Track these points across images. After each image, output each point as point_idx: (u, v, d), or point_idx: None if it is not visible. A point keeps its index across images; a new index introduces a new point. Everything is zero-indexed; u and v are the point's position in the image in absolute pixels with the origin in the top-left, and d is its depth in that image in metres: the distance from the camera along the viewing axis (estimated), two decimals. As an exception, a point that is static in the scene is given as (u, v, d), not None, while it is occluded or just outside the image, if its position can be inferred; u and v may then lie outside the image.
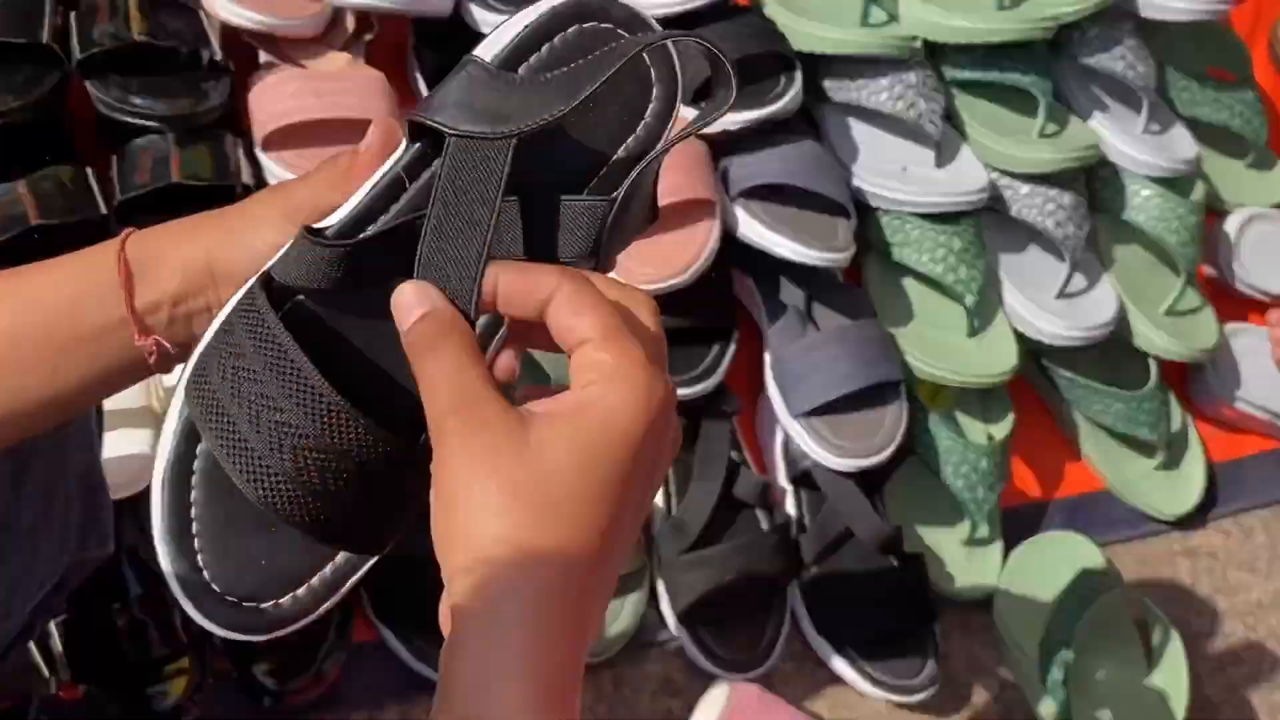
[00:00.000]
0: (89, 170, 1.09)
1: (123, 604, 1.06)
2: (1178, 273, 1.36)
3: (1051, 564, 1.28)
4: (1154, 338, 1.35)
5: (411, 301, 0.49)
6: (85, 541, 0.81)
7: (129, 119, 1.10)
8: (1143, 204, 1.35)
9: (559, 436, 0.45)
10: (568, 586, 0.45)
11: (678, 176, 1.15)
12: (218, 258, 0.58)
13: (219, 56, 1.14)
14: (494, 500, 0.44)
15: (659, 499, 1.21)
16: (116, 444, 1.04)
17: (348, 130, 1.13)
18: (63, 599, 0.83)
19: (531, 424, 0.46)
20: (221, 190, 1.09)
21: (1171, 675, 1.23)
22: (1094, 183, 1.38)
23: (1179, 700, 1.22)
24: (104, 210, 1.08)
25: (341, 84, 1.14)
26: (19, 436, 0.62)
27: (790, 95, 1.20)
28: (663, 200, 1.11)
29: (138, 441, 1.04)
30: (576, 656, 0.46)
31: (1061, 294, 1.31)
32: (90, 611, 1.04)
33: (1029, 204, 1.30)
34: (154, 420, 1.06)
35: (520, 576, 0.44)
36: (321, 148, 1.12)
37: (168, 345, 0.58)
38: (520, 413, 0.46)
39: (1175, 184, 1.38)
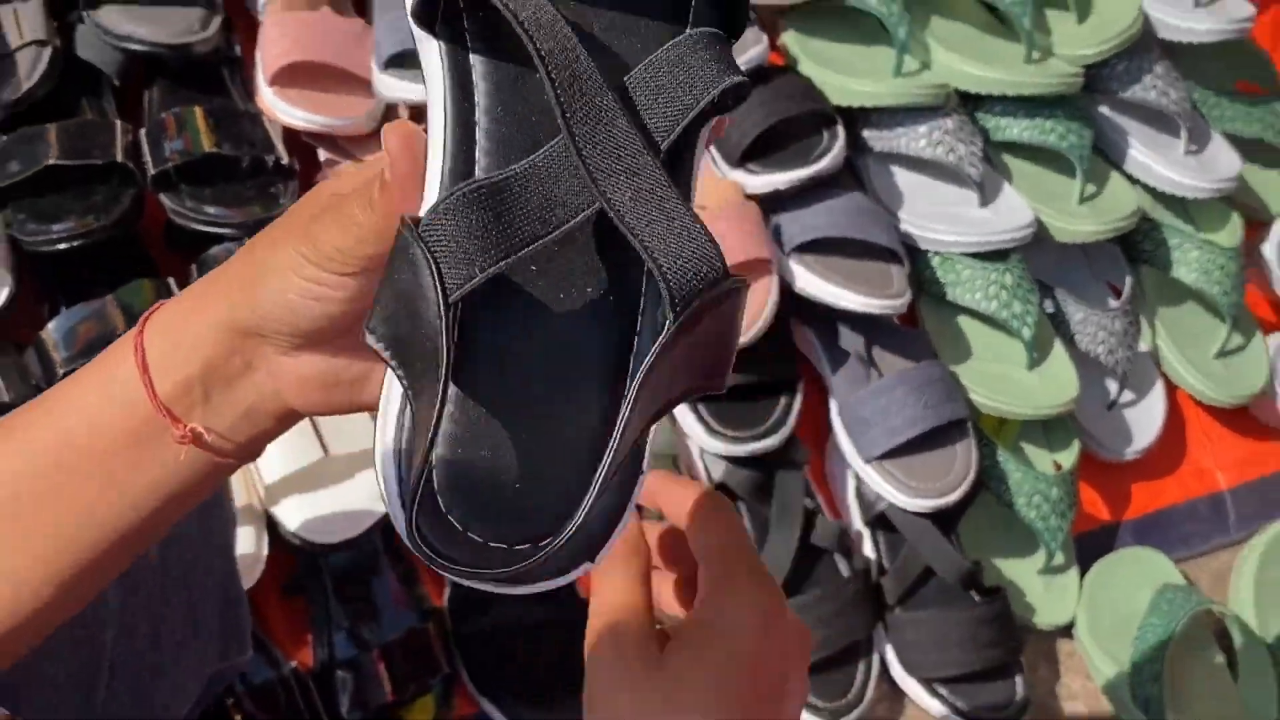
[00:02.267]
0: (170, 281, 1.12)
1: (233, 698, 1.07)
2: (1223, 319, 1.39)
3: (1128, 582, 1.30)
4: (1199, 385, 1.39)
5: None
6: (227, 651, 0.82)
7: (204, 228, 1.13)
8: (1183, 256, 1.38)
9: (688, 658, 0.51)
10: None
11: (734, 238, 1.18)
12: (241, 316, 0.52)
13: (284, 159, 1.18)
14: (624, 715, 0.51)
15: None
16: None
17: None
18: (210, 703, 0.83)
19: (668, 650, 0.52)
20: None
21: (1260, 685, 1.25)
22: (1140, 238, 1.40)
23: (1270, 709, 1.24)
24: None
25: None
26: (105, 567, 0.57)
27: (835, 151, 1.24)
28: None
29: (244, 542, 1.09)
30: None
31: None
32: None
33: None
34: (256, 518, 1.10)
35: None
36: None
37: (203, 430, 0.53)
38: (659, 639, 0.52)
39: (1216, 225, 1.41)
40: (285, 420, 0.56)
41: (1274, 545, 1.34)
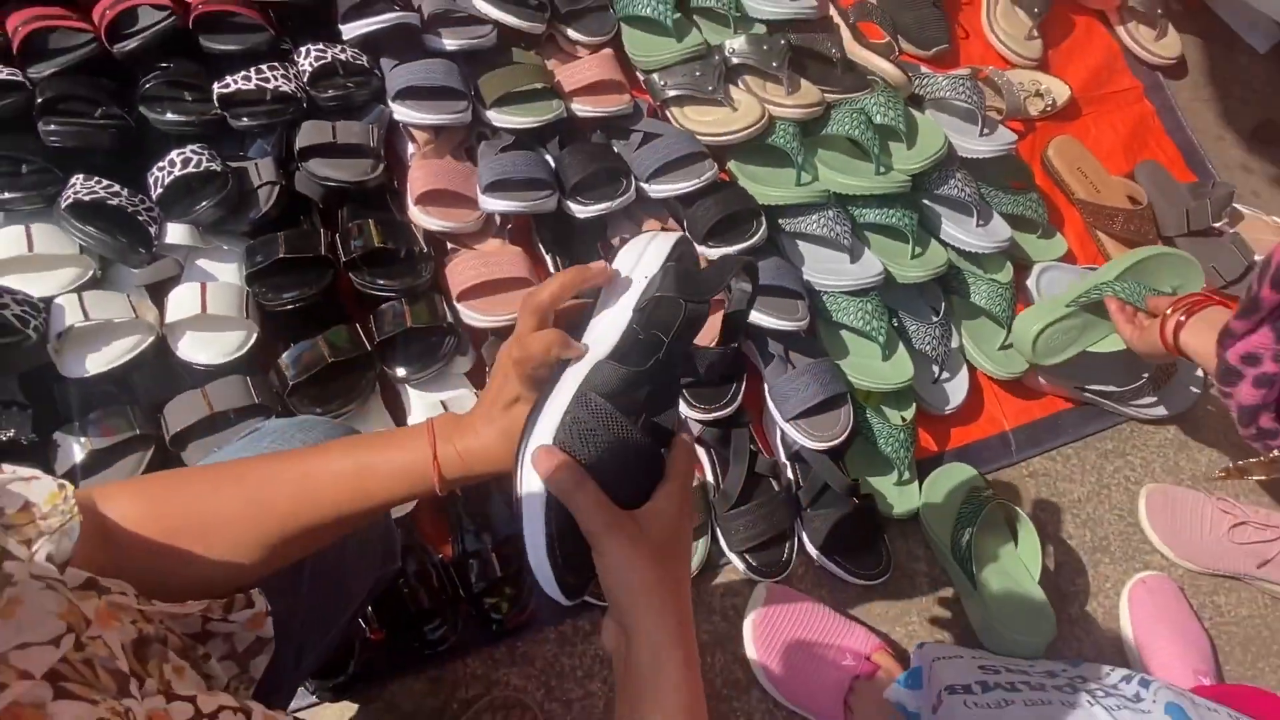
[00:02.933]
0: (357, 326, 1.11)
1: (403, 579, 1.07)
2: (1002, 326, 1.36)
3: (952, 484, 1.29)
4: (990, 367, 1.38)
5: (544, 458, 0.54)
6: (385, 563, 0.80)
7: (377, 293, 1.12)
8: (977, 289, 1.36)
9: (654, 524, 0.55)
10: (679, 584, 0.55)
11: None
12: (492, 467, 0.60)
13: (423, 249, 1.16)
14: (640, 563, 0.53)
15: (710, 477, 1.22)
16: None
17: (507, 284, 1.15)
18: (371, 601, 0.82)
19: (640, 519, 0.55)
20: (437, 329, 1.12)
21: (1029, 549, 1.24)
22: (951, 278, 1.38)
23: (1034, 564, 1.22)
24: (369, 348, 1.10)
25: (498, 257, 1.17)
26: (346, 531, 0.61)
27: (760, 233, 1.23)
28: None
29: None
30: (688, 612, 0.55)
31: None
32: (384, 589, 1.06)
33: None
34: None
35: (660, 586, 0.54)
36: (492, 296, 1.14)
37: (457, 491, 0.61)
38: (635, 515, 0.55)
39: (997, 269, 1.39)
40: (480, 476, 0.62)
41: None
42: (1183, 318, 1.10)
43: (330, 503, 0.57)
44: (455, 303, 1.14)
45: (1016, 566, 1.23)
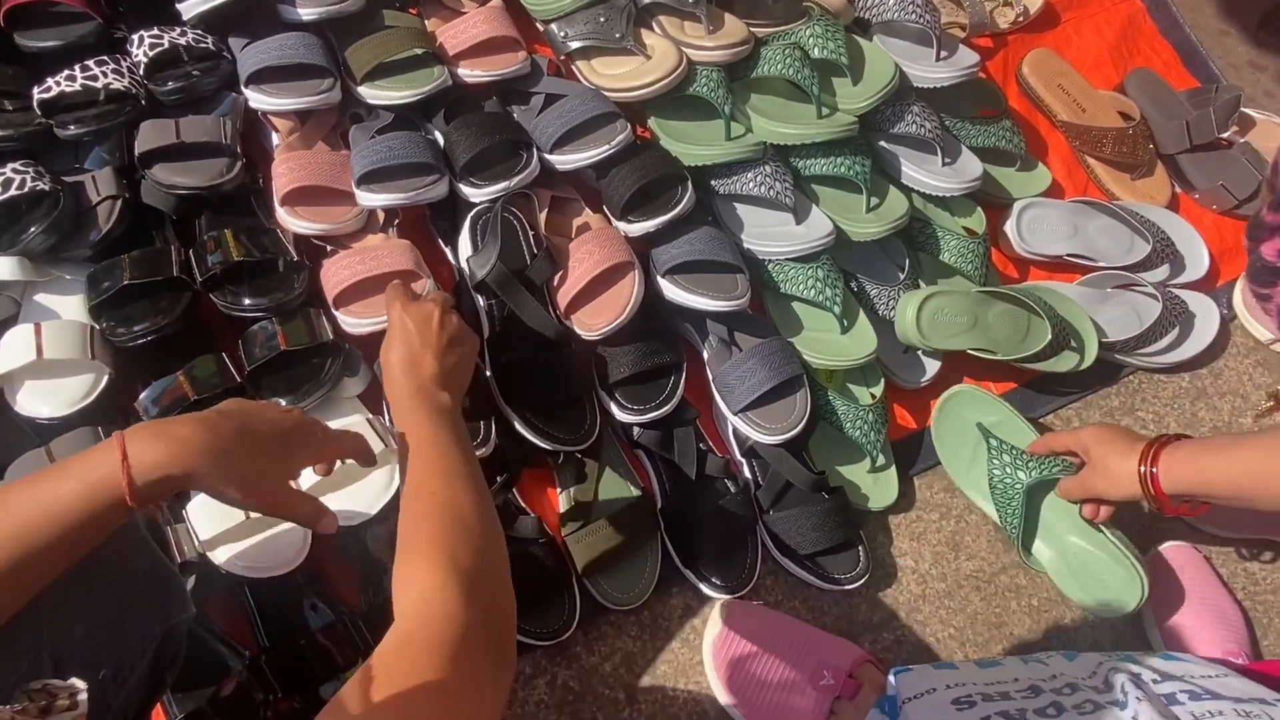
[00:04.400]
0: (223, 355, 1.04)
1: (308, 638, 1.01)
2: (975, 284, 1.27)
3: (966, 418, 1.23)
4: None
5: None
6: (170, 613, 0.75)
7: (243, 314, 1.05)
8: (945, 246, 1.27)
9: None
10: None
11: (603, 251, 1.11)
12: (191, 481, 0.64)
13: (294, 257, 1.09)
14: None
15: (655, 486, 1.15)
16: (278, 531, 1.01)
17: (390, 279, 1.06)
18: (177, 652, 0.77)
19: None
20: (317, 348, 1.05)
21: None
22: (915, 232, 1.29)
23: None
24: (239, 379, 1.02)
25: (379, 251, 1.09)
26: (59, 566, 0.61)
27: (686, 200, 1.14)
28: (597, 269, 1.07)
29: (294, 528, 1.00)
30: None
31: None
32: (286, 649, 1.00)
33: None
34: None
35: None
36: (374, 297, 1.07)
37: (159, 509, 0.69)
38: None
39: (966, 214, 1.31)
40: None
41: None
42: (1154, 469, 0.97)
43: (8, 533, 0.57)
44: (333, 310, 1.07)
45: (1080, 526, 1.14)
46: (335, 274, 1.06)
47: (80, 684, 0.56)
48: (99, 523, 0.60)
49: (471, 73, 1.17)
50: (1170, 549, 1.23)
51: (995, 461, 1.16)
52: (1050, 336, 1.21)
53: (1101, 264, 1.37)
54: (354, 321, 1.06)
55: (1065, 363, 1.26)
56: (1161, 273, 1.38)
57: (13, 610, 0.59)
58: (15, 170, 1.02)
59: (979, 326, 1.21)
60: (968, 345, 1.22)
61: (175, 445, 0.62)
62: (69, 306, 1.05)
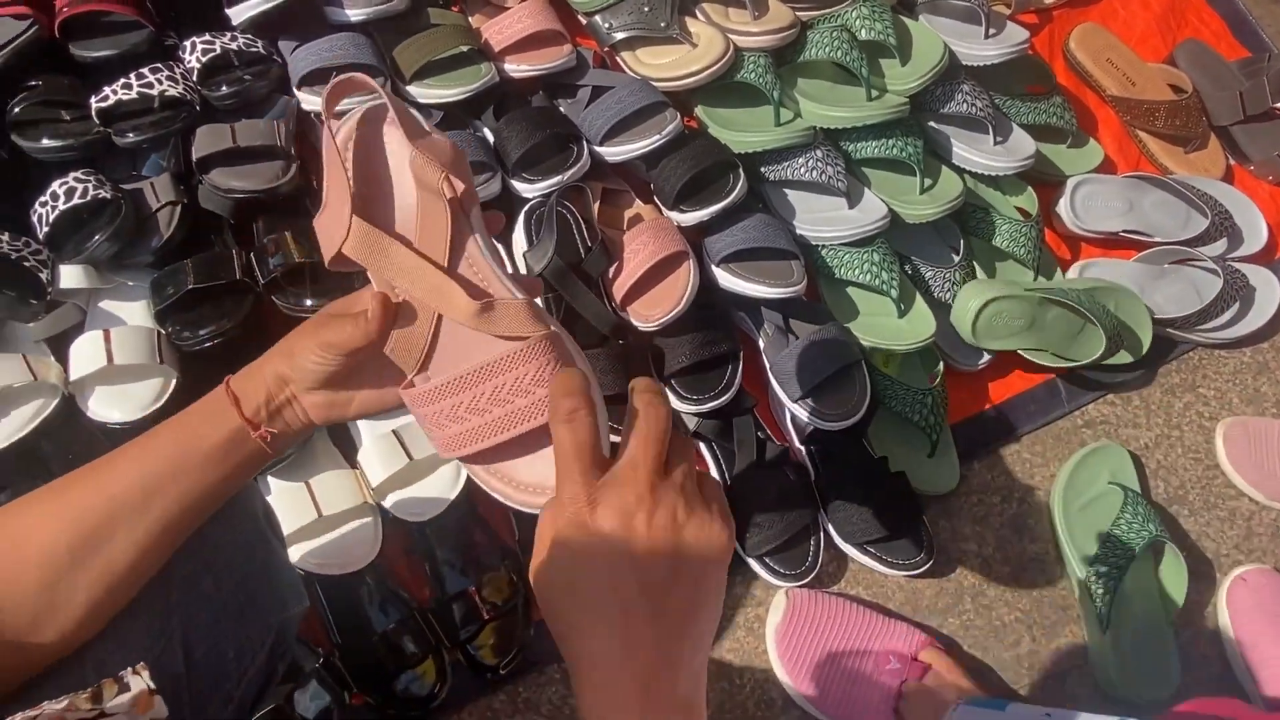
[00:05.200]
0: None
1: (380, 635, 1.06)
2: (1029, 268, 1.31)
3: (1099, 484, 1.26)
4: None
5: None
6: (287, 605, 0.79)
7: (307, 315, 1.08)
8: (997, 230, 1.30)
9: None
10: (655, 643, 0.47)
11: (657, 242, 1.14)
12: (283, 373, 0.65)
13: None
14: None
15: (715, 474, 1.19)
16: (350, 529, 1.06)
17: None
18: (290, 645, 0.80)
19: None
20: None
21: (1173, 579, 1.21)
22: (966, 217, 1.32)
23: (1179, 596, 1.20)
24: None
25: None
26: (198, 520, 0.65)
27: (739, 189, 1.17)
28: (652, 260, 1.11)
29: (363, 528, 1.05)
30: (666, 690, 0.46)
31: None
32: (358, 646, 1.05)
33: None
34: (370, 511, 1.06)
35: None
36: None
37: (272, 432, 0.65)
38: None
39: (1019, 198, 1.34)
40: (306, 430, 0.68)
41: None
42: None
43: (129, 483, 0.61)
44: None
45: (1155, 605, 1.19)
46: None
47: (131, 674, 0.58)
48: (229, 458, 0.64)
49: (518, 68, 1.22)
50: (1251, 573, 1.23)
51: (1129, 510, 1.20)
52: (1104, 348, 1.24)
53: (1158, 239, 1.39)
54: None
55: (1118, 360, 1.29)
56: (1219, 246, 1.40)
57: (163, 559, 0.64)
58: (77, 179, 1.07)
59: (1035, 328, 1.24)
60: (1019, 346, 1.25)
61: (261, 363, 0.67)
62: (134, 312, 1.10)
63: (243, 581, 0.72)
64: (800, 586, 1.16)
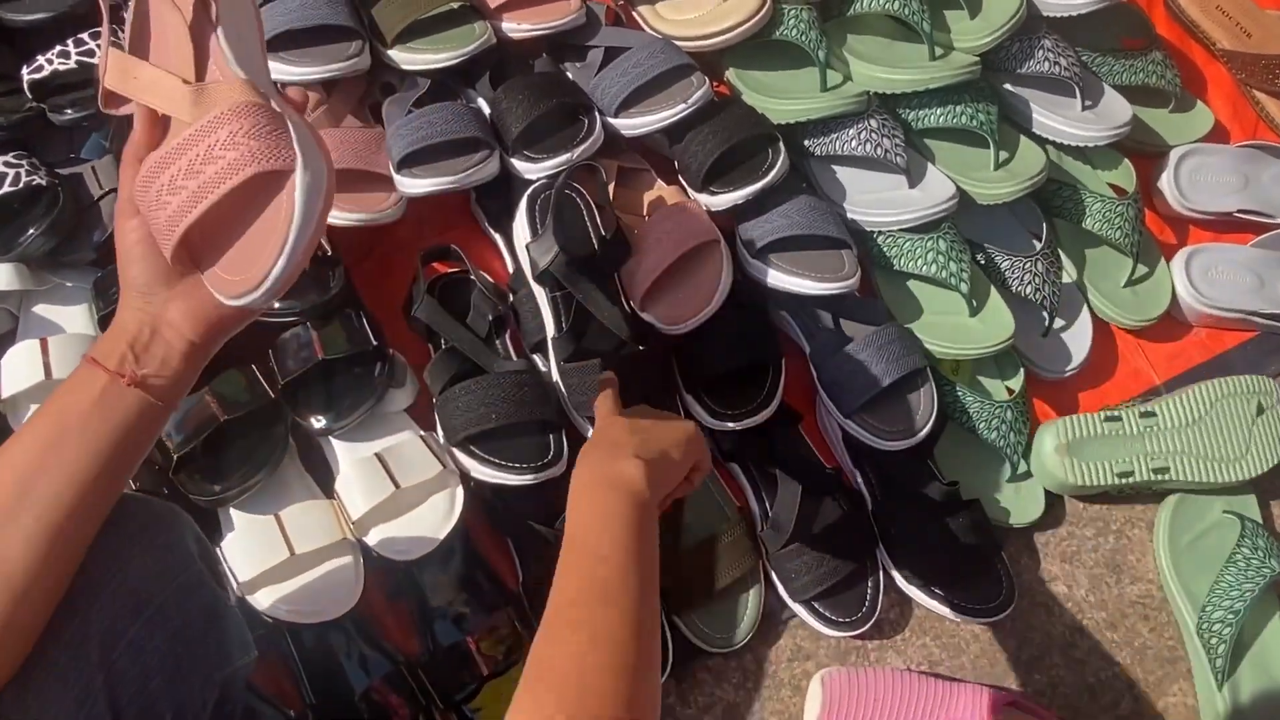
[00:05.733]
0: (253, 368, 1.09)
1: (360, 693, 1.07)
2: (1126, 254, 1.31)
3: (1210, 524, 1.26)
4: (1113, 313, 1.34)
5: None
6: (230, 657, 0.81)
7: (273, 319, 1.10)
8: (1088, 209, 1.31)
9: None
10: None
11: (682, 230, 1.15)
12: (132, 302, 0.69)
13: (328, 251, 1.14)
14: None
15: (754, 505, 1.20)
16: (326, 570, 1.07)
17: None
18: (237, 704, 0.82)
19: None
20: (360, 355, 1.11)
21: None
22: (1050, 195, 1.33)
23: None
24: (272, 394, 1.08)
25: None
26: (101, 501, 0.68)
27: (779, 166, 1.18)
28: (677, 251, 1.12)
29: (343, 567, 1.06)
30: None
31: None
32: (335, 706, 1.06)
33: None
34: (350, 548, 1.08)
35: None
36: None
37: (139, 372, 0.67)
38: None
39: (1113, 173, 1.36)
40: (192, 358, 0.71)
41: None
42: None
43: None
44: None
45: (1276, 657, 1.20)
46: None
47: None
48: (110, 417, 0.67)
49: (518, 26, 1.23)
50: None
51: (1247, 543, 1.21)
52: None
53: (1280, 220, 1.40)
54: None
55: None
56: (1355, 228, 1.41)
57: (69, 558, 0.67)
58: (7, 164, 1.09)
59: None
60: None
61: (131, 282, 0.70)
62: (73, 318, 1.12)
63: (178, 631, 0.74)
64: (856, 636, 1.17)
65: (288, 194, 0.62)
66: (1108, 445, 1.23)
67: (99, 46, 1.14)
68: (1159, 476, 1.23)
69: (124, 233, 0.69)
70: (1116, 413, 1.24)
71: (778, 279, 1.18)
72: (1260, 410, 1.26)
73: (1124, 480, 1.22)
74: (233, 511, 1.07)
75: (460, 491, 1.09)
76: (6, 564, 0.63)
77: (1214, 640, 1.17)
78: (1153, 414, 1.25)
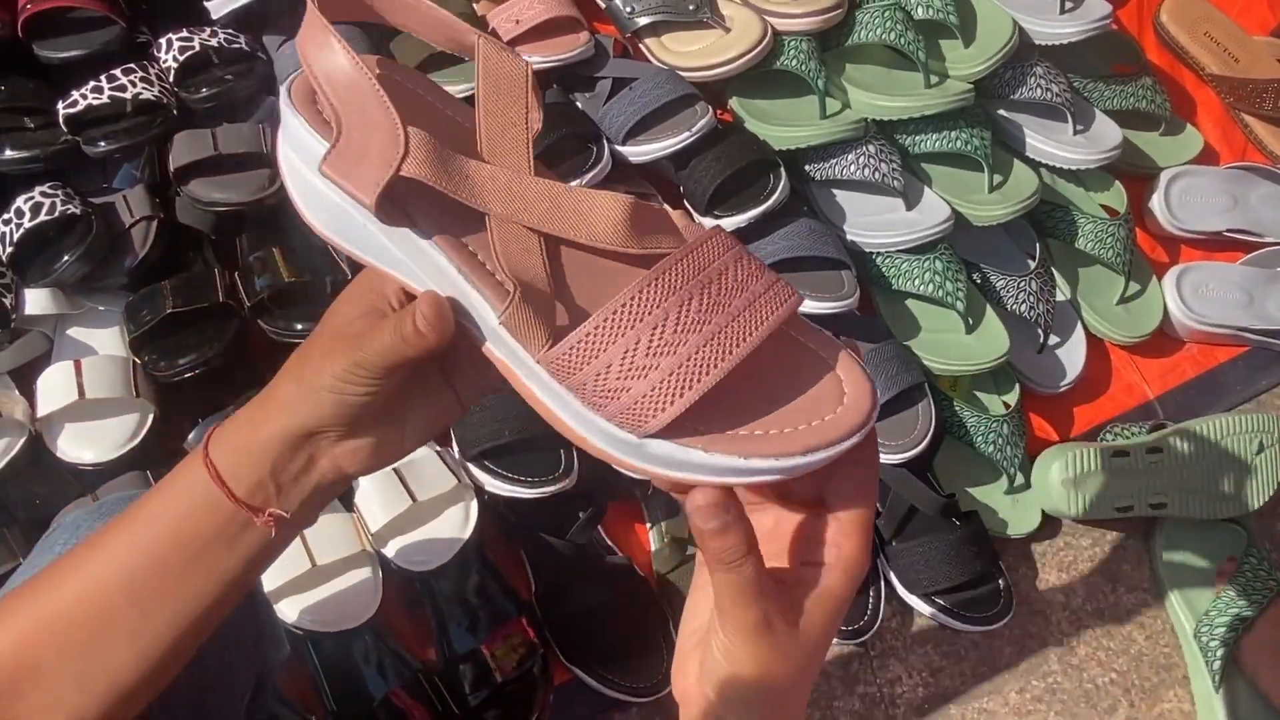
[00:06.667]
0: None
1: (379, 700, 1.08)
2: (1118, 273, 1.34)
3: (1207, 541, 1.28)
4: (1106, 329, 1.36)
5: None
6: (267, 654, 0.82)
7: (297, 340, 1.10)
8: (1080, 230, 1.34)
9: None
10: None
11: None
12: (294, 425, 0.54)
13: (349, 275, 1.16)
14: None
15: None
16: (346, 581, 1.10)
17: None
18: (268, 701, 0.83)
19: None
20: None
21: None
22: (1044, 216, 1.36)
23: None
24: None
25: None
26: (197, 643, 0.58)
27: (779, 191, 1.22)
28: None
29: (362, 578, 1.09)
30: None
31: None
32: (355, 713, 1.09)
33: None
34: (370, 559, 1.11)
35: None
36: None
37: (284, 514, 0.55)
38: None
39: (1103, 188, 1.38)
40: (342, 484, 0.58)
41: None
42: None
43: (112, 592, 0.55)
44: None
45: None
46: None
47: None
48: (242, 550, 0.57)
49: (530, 59, 1.27)
50: None
51: (1255, 552, 1.23)
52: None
53: (1269, 239, 1.42)
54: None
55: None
56: (1342, 246, 1.43)
57: (184, 658, 0.58)
58: (44, 194, 1.13)
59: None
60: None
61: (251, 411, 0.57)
62: (106, 340, 1.16)
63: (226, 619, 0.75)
64: (858, 644, 1.19)
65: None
66: (1112, 481, 1.24)
67: (131, 83, 1.18)
68: (1156, 511, 1.25)
69: (327, 363, 0.54)
70: (1125, 448, 1.25)
71: (780, 299, 1.20)
72: (1260, 449, 1.27)
73: (1121, 514, 1.24)
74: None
75: (475, 504, 1.12)
76: (119, 674, 0.56)
77: (1213, 644, 1.19)
78: (1159, 450, 1.25)
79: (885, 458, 1.19)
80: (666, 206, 1.21)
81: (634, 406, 0.46)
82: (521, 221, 0.50)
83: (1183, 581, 1.25)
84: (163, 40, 1.22)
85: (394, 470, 1.11)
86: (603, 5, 1.33)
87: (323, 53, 0.51)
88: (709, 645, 0.49)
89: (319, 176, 0.52)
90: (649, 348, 0.46)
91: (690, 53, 1.28)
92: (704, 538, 0.47)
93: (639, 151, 1.23)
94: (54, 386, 1.09)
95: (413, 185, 0.49)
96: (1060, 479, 1.24)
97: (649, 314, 0.46)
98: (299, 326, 1.14)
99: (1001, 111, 1.36)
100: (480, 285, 0.50)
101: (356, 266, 1.18)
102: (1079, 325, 1.36)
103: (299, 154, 0.54)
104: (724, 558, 0.47)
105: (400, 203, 0.51)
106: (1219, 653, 1.19)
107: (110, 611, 0.56)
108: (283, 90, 0.55)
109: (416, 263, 0.52)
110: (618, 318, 0.46)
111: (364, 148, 0.50)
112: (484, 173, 0.50)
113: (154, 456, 1.11)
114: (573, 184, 1.17)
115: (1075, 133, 1.35)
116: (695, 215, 1.25)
